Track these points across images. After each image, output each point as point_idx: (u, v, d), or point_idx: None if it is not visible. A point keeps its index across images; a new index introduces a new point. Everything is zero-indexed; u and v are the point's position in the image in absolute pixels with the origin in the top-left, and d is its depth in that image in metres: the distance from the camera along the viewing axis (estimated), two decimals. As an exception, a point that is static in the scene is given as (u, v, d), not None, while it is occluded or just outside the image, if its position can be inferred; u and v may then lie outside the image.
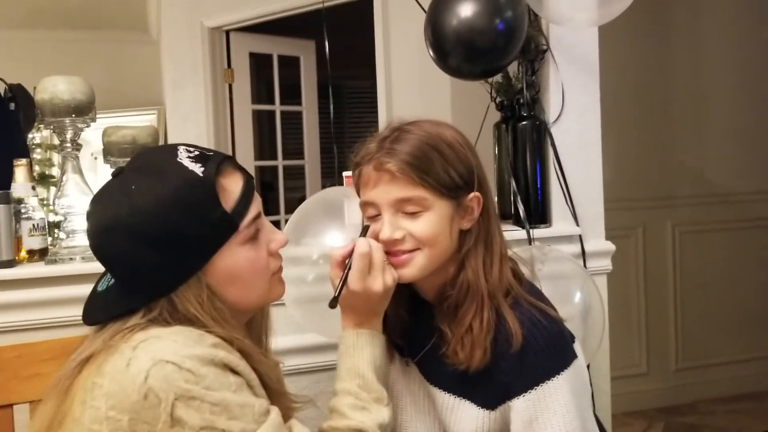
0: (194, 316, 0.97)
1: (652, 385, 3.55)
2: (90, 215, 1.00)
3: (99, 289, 1.05)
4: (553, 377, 1.09)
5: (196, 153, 1.00)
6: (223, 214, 0.97)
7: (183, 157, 0.98)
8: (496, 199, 2.06)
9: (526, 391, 1.09)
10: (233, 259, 0.99)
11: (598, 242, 1.98)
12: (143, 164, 1.01)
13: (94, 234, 0.99)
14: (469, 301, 1.15)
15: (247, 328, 1.10)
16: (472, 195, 1.15)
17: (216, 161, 1.00)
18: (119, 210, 0.95)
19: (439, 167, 1.11)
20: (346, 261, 1.13)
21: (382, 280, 1.11)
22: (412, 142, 1.12)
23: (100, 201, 1.00)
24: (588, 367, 1.89)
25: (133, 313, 0.97)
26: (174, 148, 1.01)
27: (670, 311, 3.60)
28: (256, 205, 1.04)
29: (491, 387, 1.13)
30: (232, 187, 1.01)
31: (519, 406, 1.10)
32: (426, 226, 1.12)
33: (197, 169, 0.97)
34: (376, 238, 1.15)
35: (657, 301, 3.57)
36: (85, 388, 0.92)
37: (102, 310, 1.01)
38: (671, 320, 3.60)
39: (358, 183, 1.18)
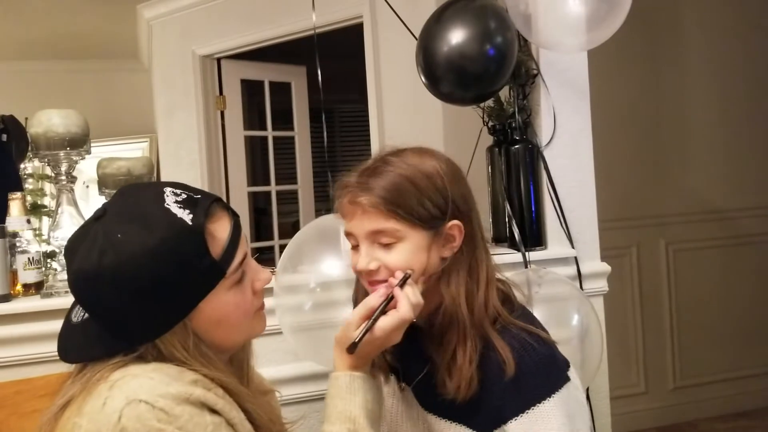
0: (179, 361, 0.96)
1: (650, 404, 3.53)
2: (71, 258, 0.97)
3: (74, 319, 1.01)
4: (545, 400, 1.09)
5: (184, 197, 0.98)
6: (211, 263, 0.96)
7: (170, 202, 0.95)
8: (491, 222, 2.07)
9: (518, 414, 1.09)
10: (220, 304, 0.99)
11: (594, 264, 1.98)
12: (128, 209, 0.97)
13: (75, 279, 0.95)
14: (451, 329, 1.15)
15: (229, 362, 1.09)
16: (451, 224, 1.15)
17: (204, 206, 0.98)
18: (104, 259, 0.92)
19: (412, 199, 1.12)
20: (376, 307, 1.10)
21: (398, 336, 1.11)
22: (387, 176, 1.13)
23: (83, 245, 0.95)
24: (587, 390, 1.90)
25: (114, 355, 0.95)
26: (160, 191, 0.97)
27: (666, 329, 3.60)
28: (243, 247, 1.02)
29: (485, 411, 1.13)
30: (220, 232, 0.99)
31: (513, 429, 1.10)
32: (399, 257, 1.13)
33: (186, 216, 0.94)
34: (354, 267, 1.17)
35: (653, 319, 3.57)
36: (65, 430, 0.91)
37: (82, 349, 0.98)
38: (667, 338, 3.60)
39: (339, 214, 1.20)
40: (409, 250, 1.13)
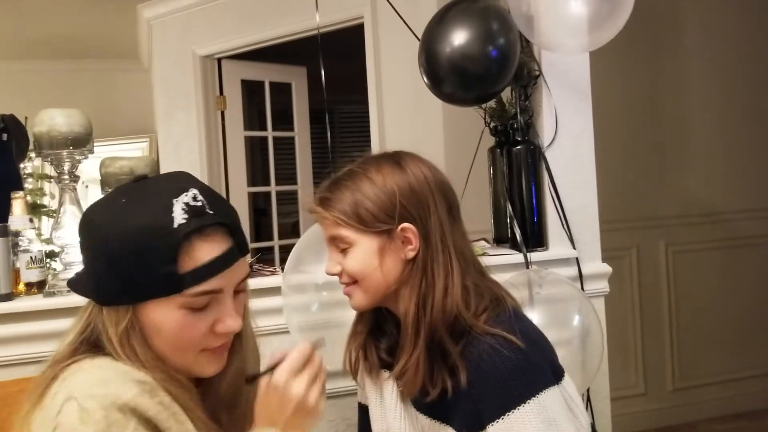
0: (107, 339, 0.96)
1: (649, 406, 3.53)
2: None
3: None
4: (520, 406, 1.09)
5: (197, 205, 0.95)
6: (170, 272, 0.93)
7: (180, 201, 0.94)
8: (492, 223, 2.07)
9: (495, 419, 1.09)
10: (163, 315, 0.95)
11: (595, 264, 1.99)
12: (154, 186, 0.99)
13: (81, 219, 1.01)
14: (404, 334, 1.18)
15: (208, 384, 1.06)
16: (402, 226, 1.16)
17: (204, 222, 0.95)
18: (101, 214, 0.97)
19: (355, 206, 1.16)
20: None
21: (304, 389, 1.02)
22: (337, 185, 1.19)
23: (108, 195, 1.03)
24: (588, 390, 1.90)
25: (86, 294, 1.00)
26: (185, 188, 0.97)
27: (666, 331, 3.60)
28: (223, 281, 0.97)
29: (464, 414, 1.14)
30: (200, 252, 0.95)
31: None
32: (351, 261, 1.18)
33: (178, 218, 0.93)
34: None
35: (652, 321, 3.57)
36: (29, 421, 0.94)
37: (76, 280, 1.03)
38: (667, 340, 3.60)
39: None
40: (361, 254, 1.18)
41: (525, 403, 1.09)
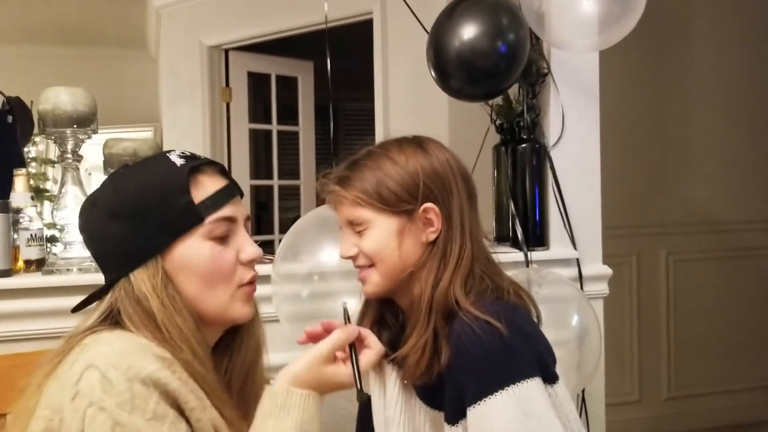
0: (142, 301, 0.97)
1: (643, 414, 3.52)
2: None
3: None
4: (497, 392, 1.04)
5: (188, 154, 1.06)
6: (188, 203, 1.00)
7: (173, 155, 1.05)
8: (494, 221, 2.07)
9: (472, 405, 1.06)
10: (193, 250, 1.01)
11: (596, 266, 1.98)
12: (144, 159, 1.12)
13: (81, 210, 1.06)
14: (415, 317, 1.15)
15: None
16: (425, 207, 1.14)
17: (201, 161, 1.05)
18: (104, 190, 1.04)
19: (377, 185, 1.14)
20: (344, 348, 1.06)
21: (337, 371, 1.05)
22: (357, 166, 1.17)
23: (101, 183, 1.08)
24: (583, 392, 1.89)
25: (102, 295, 1.02)
26: (173, 150, 1.07)
27: (663, 339, 3.59)
28: (235, 209, 1.06)
29: (451, 399, 1.11)
30: (207, 184, 1.04)
31: (469, 419, 1.07)
32: (368, 242, 1.15)
33: (178, 161, 1.03)
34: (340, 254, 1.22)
35: (650, 328, 3.57)
36: (40, 392, 0.94)
37: (90, 298, 1.05)
38: (663, 348, 3.59)
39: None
40: (379, 235, 1.15)
41: (502, 389, 1.04)
